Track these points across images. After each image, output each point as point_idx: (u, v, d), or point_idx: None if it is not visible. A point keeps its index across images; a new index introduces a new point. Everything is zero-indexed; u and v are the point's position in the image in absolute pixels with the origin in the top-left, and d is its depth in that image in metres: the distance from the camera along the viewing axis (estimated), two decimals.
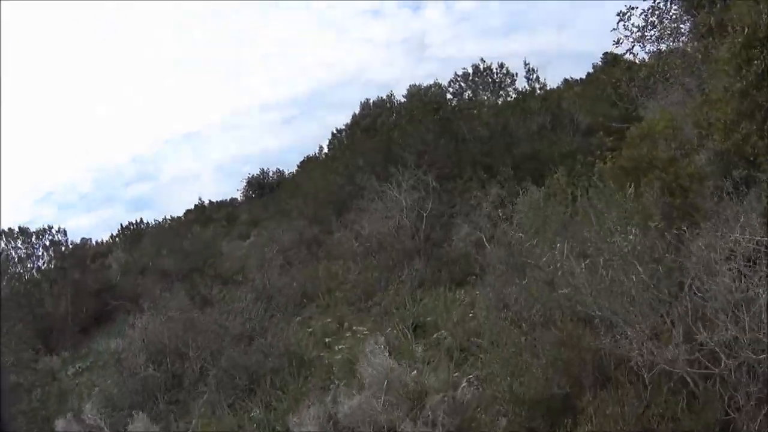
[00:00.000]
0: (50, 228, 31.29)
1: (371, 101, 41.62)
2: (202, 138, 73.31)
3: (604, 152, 20.81)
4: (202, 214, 44.82)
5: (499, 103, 30.60)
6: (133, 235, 39.12)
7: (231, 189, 52.25)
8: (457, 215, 21.56)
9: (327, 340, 19.03)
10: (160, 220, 40.86)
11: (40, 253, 31.09)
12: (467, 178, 23.63)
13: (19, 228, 30.98)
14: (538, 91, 29.81)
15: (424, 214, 22.19)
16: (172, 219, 41.61)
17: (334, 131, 37.67)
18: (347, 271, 22.71)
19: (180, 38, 76.12)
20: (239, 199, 48.09)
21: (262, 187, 46.63)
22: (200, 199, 47.42)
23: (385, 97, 41.24)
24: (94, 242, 42.18)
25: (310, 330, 20.16)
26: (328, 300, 22.13)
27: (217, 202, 47.81)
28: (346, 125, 38.86)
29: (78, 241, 42.06)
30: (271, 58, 75.96)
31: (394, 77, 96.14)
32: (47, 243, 31.05)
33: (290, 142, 76.37)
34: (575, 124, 25.88)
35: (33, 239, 30.94)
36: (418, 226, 22.07)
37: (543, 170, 21.86)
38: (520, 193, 20.23)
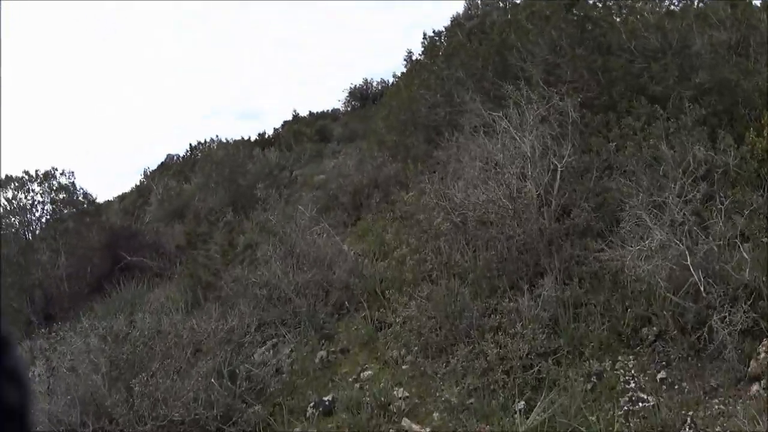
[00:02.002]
0: (54, 171, 20.74)
1: None
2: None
3: None
4: (295, 125, 34.68)
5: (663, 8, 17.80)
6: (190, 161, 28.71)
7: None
8: (620, 178, 10.19)
9: None
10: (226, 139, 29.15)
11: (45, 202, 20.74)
12: (624, 110, 12.32)
13: (25, 173, 20.56)
14: None
15: (559, 168, 10.81)
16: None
17: (429, 33, 23.63)
18: (418, 265, 11.52)
19: None
20: (341, 110, 37.39)
21: (365, 98, 35.61)
22: (295, 110, 37.28)
23: None
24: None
25: (327, 400, 9.36)
26: (379, 315, 11.22)
27: (316, 113, 37.57)
28: (446, 27, 25.51)
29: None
30: None
31: None
32: (49, 190, 20.56)
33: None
34: None
35: (35, 186, 20.52)
36: (549, 189, 10.79)
37: (732, 111, 11.60)
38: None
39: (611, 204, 10.62)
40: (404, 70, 23.30)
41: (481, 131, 12.80)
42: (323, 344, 11.03)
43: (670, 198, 8.79)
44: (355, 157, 21.23)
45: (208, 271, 14.01)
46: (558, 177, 10.69)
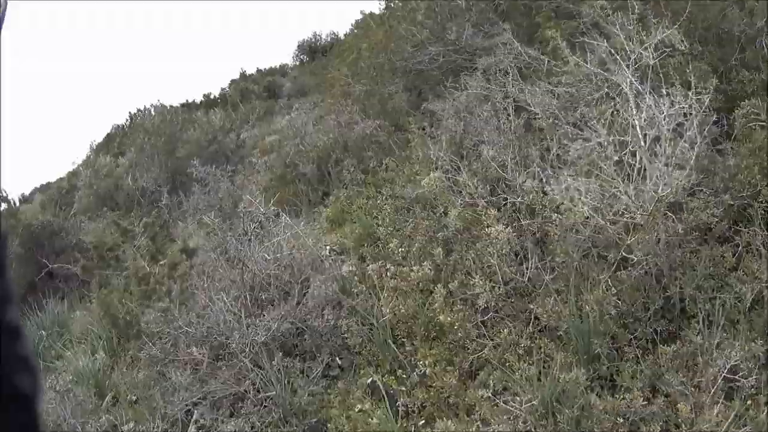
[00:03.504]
0: None
1: None
2: None
3: None
4: (242, 82, 29.42)
5: None
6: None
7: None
8: None
9: None
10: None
11: None
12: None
13: None
14: None
15: (699, 140, 5.61)
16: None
17: None
18: (456, 298, 6.36)
19: None
20: (290, 64, 31.97)
21: (314, 51, 30.79)
22: (242, 68, 31.93)
23: None
24: None
25: None
26: (397, 385, 6.05)
27: (265, 69, 32.32)
28: None
29: None
30: None
31: None
32: None
33: None
34: None
35: None
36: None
37: None
38: None
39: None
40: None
41: (512, 74, 7.96)
42: None
43: None
44: (310, 113, 16.30)
45: (132, 297, 8.71)
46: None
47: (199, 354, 6.66)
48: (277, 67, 32.51)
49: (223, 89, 29.64)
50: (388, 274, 7.51)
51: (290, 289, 7.52)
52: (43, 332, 10.67)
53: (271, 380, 6.21)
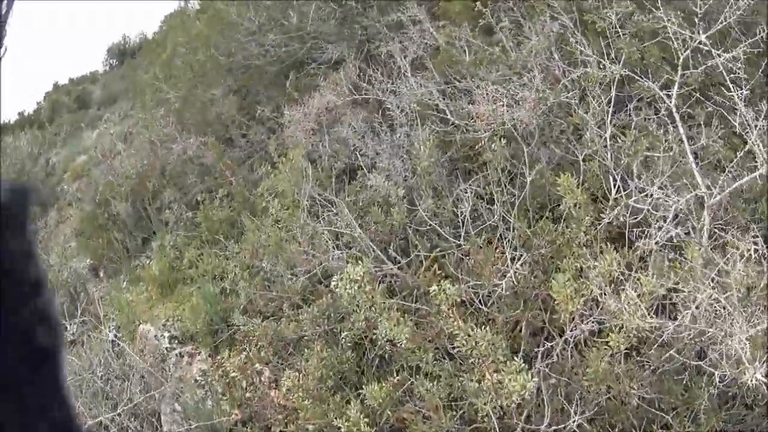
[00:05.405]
0: None
1: None
2: None
3: None
4: (54, 95, 25.37)
5: None
6: None
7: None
8: None
9: None
10: None
11: None
12: None
13: None
14: None
15: None
16: None
17: None
18: None
19: None
20: (100, 71, 28.42)
21: (123, 54, 27.63)
22: (55, 80, 28.10)
23: None
24: None
25: None
26: None
27: (75, 79, 28.26)
28: None
29: None
30: None
31: None
32: None
33: None
34: None
35: None
36: None
37: None
38: None
39: None
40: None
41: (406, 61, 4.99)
42: None
43: None
44: (119, 125, 12.82)
45: None
46: None
47: None
48: (89, 75, 28.59)
49: (38, 104, 26.14)
50: (262, 379, 4.38)
51: None
52: None
53: None
